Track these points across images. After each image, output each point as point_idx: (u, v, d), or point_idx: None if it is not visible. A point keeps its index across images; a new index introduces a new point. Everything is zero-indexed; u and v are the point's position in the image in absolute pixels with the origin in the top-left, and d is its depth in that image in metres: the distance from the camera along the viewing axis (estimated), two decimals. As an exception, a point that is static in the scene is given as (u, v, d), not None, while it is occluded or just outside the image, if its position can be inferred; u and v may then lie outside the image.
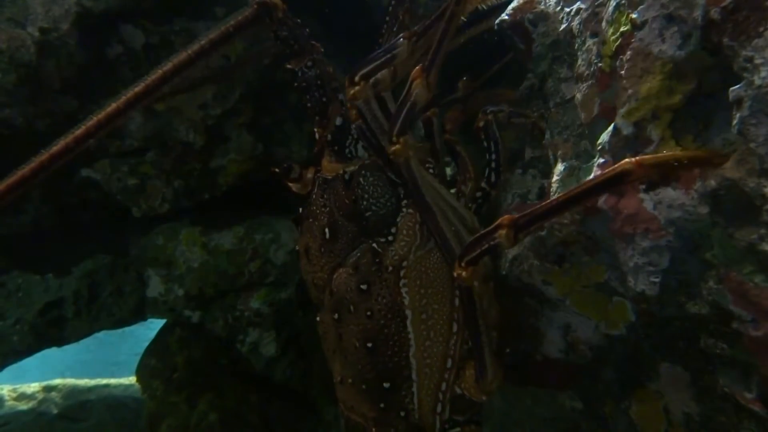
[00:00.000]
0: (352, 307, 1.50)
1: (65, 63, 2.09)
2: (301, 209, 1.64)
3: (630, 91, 1.14)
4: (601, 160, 1.21)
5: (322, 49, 1.59)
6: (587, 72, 1.29)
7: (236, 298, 2.57)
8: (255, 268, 2.52)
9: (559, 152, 1.43)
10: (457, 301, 1.48)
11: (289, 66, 1.57)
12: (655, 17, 1.10)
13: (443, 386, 1.50)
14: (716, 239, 1.07)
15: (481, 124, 1.63)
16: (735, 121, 0.98)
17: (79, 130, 0.93)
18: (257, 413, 2.63)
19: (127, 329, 2.93)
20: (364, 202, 1.50)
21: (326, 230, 1.54)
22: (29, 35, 1.98)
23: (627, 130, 1.15)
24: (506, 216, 1.16)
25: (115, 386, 4.20)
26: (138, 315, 2.73)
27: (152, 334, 2.82)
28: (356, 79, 1.40)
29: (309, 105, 1.58)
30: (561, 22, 1.43)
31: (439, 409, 1.51)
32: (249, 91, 2.41)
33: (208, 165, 2.49)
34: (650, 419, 1.40)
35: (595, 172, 1.23)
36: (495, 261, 1.57)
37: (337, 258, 1.54)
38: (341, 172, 1.55)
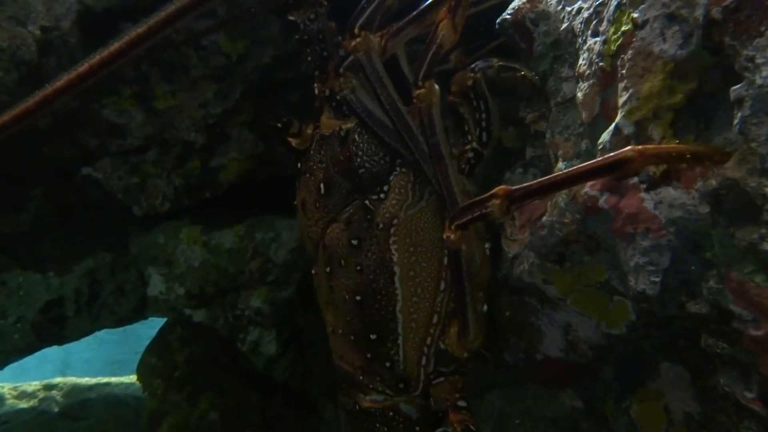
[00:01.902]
0: (343, 262, 1.54)
1: (66, 61, 2.09)
2: (300, 164, 1.67)
3: (631, 91, 1.14)
4: (602, 160, 1.20)
5: (326, 2, 1.59)
6: (588, 71, 1.29)
7: (237, 297, 2.57)
8: (256, 266, 2.52)
9: (560, 151, 1.43)
10: (445, 260, 1.50)
11: (291, 17, 1.57)
12: (657, 16, 1.10)
13: (428, 341, 1.54)
14: (717, 239, 1.07)
15: (470, 83, 1.59)
16: (736, 121, 0.98)
17: (82, 67, 0.93)
18: (258, 412, 2.63)
19: (128, 328, 2.93)
20: (358, 159, 1.53)
21: (321, 186, 1.58)
22: (30, 34, 1.98)
23: (628, 130, 1.15)
24: (502, 186, 1.15)
25: (116, 385, 4.19)
26: (139, 313, 2.73)
27: (153, 332, 2.82)
28: (356, 30, 1.40)
29: (309, 59, 1.60)
30: (562, 22, 1.44)
31: (423, 362, 1.55)
32: (250, 90, 2.40)
33: (209, 164, 2.48)
34: (651, 418, 1.40)
35: (596, 172, 1.23)
36: (489, 225, 1.58)
37: (331, 213, 1.58)
38: (338, 128, 1.57)
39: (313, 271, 1.70)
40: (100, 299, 2.62)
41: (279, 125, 1.62)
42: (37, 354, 2.66)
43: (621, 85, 1.17)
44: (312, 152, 1.62)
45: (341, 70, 1.52)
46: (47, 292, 2.51)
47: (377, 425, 1.63)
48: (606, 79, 1.24)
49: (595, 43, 1.26)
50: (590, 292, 1.39)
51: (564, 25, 1.43)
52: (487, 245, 1.60)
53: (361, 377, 1.61)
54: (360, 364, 1.59)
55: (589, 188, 1.23)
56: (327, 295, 1.63)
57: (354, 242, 1.52)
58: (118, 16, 2.18)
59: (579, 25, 1.35)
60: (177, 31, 2.20)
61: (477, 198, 1.21)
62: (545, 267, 1.43)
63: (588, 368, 1.56)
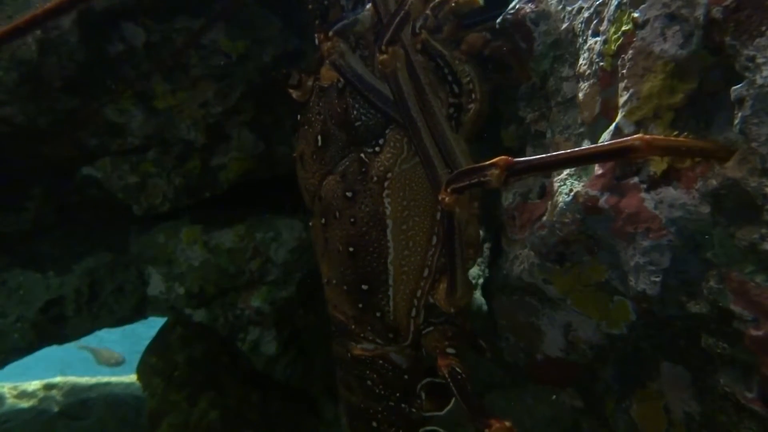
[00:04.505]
0: (337, 213, 1.56)
1: (66, 61, 2.09)
2: (299, 116, 1.67)
3: (632, 90, 1.14)
4: (603, 159, 1.20)
5: None
6: (589, 71, 1.29)
7: (237, 297, 2.57)
8: (256, 266, 2.52)
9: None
10: (438, 216, 1.51)
11: None
12: (657, 16, 1.10)
13: (418, 293, 1.57)
14: (717, 239, 1.07)
15: (419, 47, 1.55)
16: (737, 121, 0.98)
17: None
18: (258, 412, 2.63)
19: (128, 327, 2.93)
20: (355, 112, 1.53)
21: (319, 138, 1.59)
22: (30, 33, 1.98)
23: (628, 129, 1.15)
24: (503, 157, 1.13)
25: (116, 384, 4.19)
26: (139, 313, 2.74)
27: (153, 332, 2.82)
28: None
29: (310, 7, 1.58)
30: (563, 21, 1.43)
31: (413, 313, 1.58)
32: (250, 90, 2.40)
33: (209, 163, 2.49)
34: (651, 418, 1.40)
35: (597, 172, 1.23)
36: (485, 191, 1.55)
37: (327, 165, 1.59)
38: (336, 80, 1.57)
39: (310, 224, 1.72)
40: (99, 299, 2.62)
41: (278, 76, 1.63)
42: (37, 353, 2.66)
43: (621, 85, 1.17)
44: (311, 104, 1.63)
45: (330, 34, 1.50)
46: (47, 292, 2.51)
47: (367, 372, 1.67)
48: (606, 79, 1.24)
49: (596, 42, 1.26)
50: (590, 291, 1.39)
51: (564, 25, 1.43)
52: (486, 245, 1.61)
53: (353, 326, 1.65)
54: (352, 313, 1.62)
55: (589, 188, 1.23)
56: (322, 247, 1.65)
57: (348, 194, 1.53)
58: (119, 15, 2.18)
59: (579, 25, 1.35)
60: (177, 30, 2.21)
61: (477, 165, 1.19)
62: (545, 267, 1.43)
63: (588, 368, 1.56)
